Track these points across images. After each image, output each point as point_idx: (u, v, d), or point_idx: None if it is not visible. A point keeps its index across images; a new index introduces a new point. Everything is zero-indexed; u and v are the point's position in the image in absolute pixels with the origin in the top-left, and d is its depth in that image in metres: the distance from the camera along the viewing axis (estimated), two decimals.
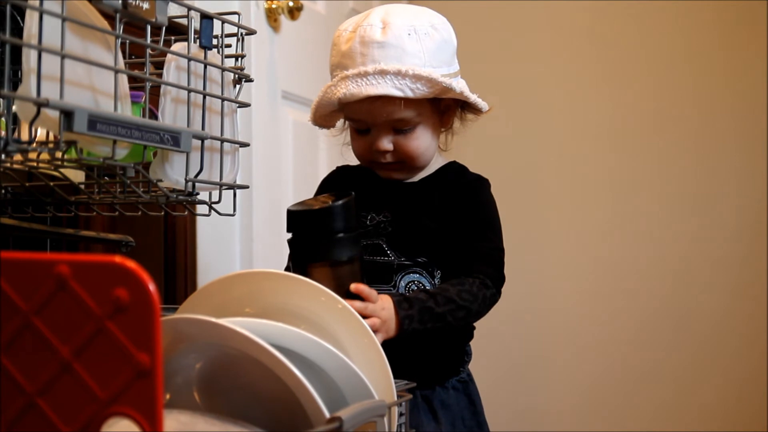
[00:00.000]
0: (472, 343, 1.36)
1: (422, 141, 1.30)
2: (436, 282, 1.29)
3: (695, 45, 2.42)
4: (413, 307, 1.18)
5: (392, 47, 1.23)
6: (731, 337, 2.34)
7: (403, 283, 1.28)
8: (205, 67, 1.06)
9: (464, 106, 1.34)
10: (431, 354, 1.29)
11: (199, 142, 1.05)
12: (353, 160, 1.40)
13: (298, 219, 1.17)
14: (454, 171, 1.37)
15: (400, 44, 1.23)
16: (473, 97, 1.29)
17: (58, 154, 0.94)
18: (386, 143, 1.28)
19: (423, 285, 1.28)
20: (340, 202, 1.16)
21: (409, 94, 1.23)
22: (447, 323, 1.21)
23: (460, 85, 1.27)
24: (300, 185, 2.16)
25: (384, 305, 1.16)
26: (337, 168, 1.44)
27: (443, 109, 1.33)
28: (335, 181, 1.41)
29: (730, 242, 2.36)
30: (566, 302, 2.53)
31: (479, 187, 1.35)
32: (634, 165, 2.47)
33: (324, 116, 1.34)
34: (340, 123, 1.40)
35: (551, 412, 2.54)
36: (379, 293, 1.19)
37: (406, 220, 1.31)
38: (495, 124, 2.19)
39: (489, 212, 1.33)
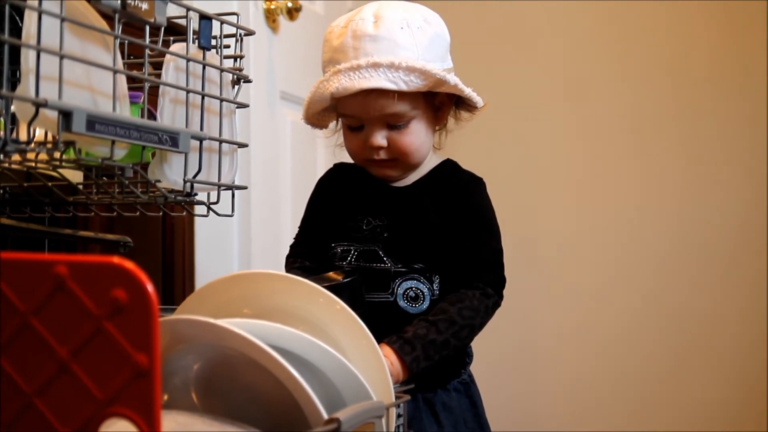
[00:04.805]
0: (472, 344, 1.35)
1: (416, 137, 1.28)
2: (435, 287, 1.28)
3: (689, 43, 2.43)
4: (416, 348, 1.17)
5: (385, 40, 1.22)
6: (731, 334, 2.35)
7: (400, 291, 1.27)
8: (204, 67, 1.06)
9: (459, 103, 1.33)
10: None
11: (198, 142, 1.04)
12: (347, 162, 1.39)
13: None
14: (447, 171, 1.36)
15: (393, 37, 1.22)
16: (467, 91, 1.27)
17: (57, 155, 0.94)
18: (380, 139, 1.27)
19: (421, 291, 1.27)
20: (346, 280, 1.17)
21: (403, 87, 1.21)
22: (453, 347, 1.22)
23: (454, 79, 1.25)
24: (298, 186, 2.16)
25: (389, 360, 1.14)
26: (335, 165, 1.43)
27: (438, 105, 1.31)
28: (332, 181, 1.40)
29: (726, 238, 2.37)
30: (565, 301, 2.53)
31: (474, 188, 1.34)
32: (627, 163, 2.48)
33: (316, 114, 1.33)
34: (332, 125, 1.39)
35: (553, 412, 2.53)
36: (376, 301, 1.19)
37: (402, 226, 1.30)
38: (490, 123, 2.19)
39: (485, 214, 1.32)
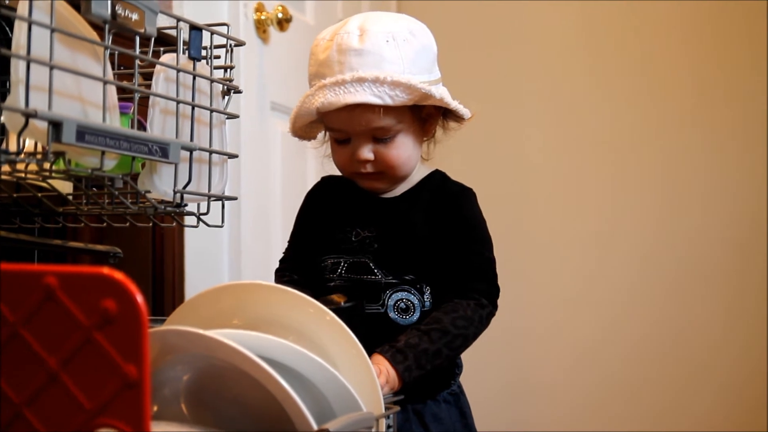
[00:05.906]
0: (462, 355, 1.35)
1: (403, 150, 1.28)
2: (426, 299, 1.28)
3: (686, 51, 2.44)
4: (408, 358, 1.17)
5: (370, 54, 1.21)
6: (727, 347, 2.35)
7: (391, 302, 1.27)
8: (194, 78, 1.06)
9: (446, 113, 1.33)
10: None
11: (188, 153, 1.04)
12: (335, 173, 1.39)
13: None
14: (436, 182, 1.36)
15: (378, 51, 1.22)
16: (454, 104, 1.26)
17: (47, 165, 0.94)
18: (366, 153, 1.27)
19: (412, 302, 1.27)
20: (348, 305, 1.17)
21: (388, 102, 1.21)
22: (445, 357, 1.22)
23: (440, 92, 1.24)
24: (288, 196, 2.16)
25: (381, 369, 1.14)
26: (322, 179, 1.43)
27: (425, 117, 1.31)
28: (320, 194, 1.40)
29: (726, 249, 2.37)
30: (557, 313, 2.54)
31: (464, 199, 1.33)
32: (625, 174, 2.48)
33: (303, 127, 1.33)
34: (320, 135, 1.39)
35: (543, 423, 2.53)
36: (366, 313, 1.19)
37: (391, 237, 1.30)
38: (486, 130, 2.19)
39: (477, 224, 1.32)
